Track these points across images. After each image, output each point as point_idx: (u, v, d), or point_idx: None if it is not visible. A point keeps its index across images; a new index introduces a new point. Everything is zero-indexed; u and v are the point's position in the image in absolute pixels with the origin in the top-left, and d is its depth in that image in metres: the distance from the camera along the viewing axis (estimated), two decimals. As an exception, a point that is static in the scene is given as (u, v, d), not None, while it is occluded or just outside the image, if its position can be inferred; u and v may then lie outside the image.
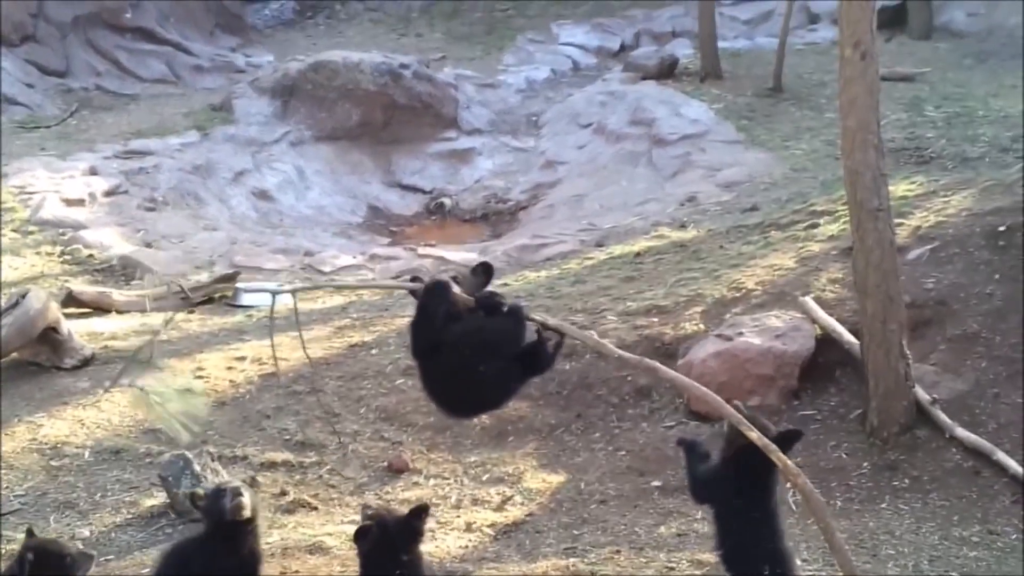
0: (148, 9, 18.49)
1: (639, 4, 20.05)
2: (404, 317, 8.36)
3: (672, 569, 5.20)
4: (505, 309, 4.52)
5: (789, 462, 4.43)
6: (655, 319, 7.17)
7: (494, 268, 4.89)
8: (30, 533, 4.36)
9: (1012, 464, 5.52)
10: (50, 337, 7.83)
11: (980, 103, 13.07)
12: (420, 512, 4.46)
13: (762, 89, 14.54)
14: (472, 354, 4.43)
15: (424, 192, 14.42)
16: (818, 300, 6.77)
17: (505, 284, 9.15)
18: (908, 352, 5.85)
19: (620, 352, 4.71)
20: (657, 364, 4.57)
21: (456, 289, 4.56)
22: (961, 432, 5.76)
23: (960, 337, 6.31)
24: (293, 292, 5.05)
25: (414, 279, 4.91)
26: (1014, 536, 5.22)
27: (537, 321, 4.69)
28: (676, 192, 11.96)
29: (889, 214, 5.74)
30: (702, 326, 6.96)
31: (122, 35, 18.03)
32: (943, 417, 5.86)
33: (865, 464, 5.83)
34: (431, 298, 4.55)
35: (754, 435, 4.57)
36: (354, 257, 11.01)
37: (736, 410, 4.46)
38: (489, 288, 4.73)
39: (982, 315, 6.35)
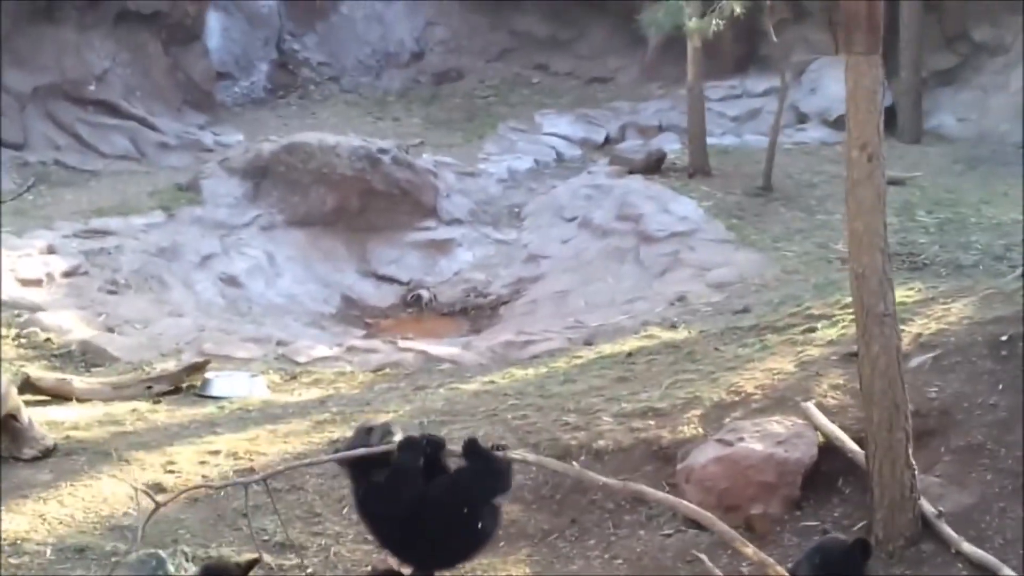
0: (113, 82, 18.79)
1: (624, 96, 20.67)
2: (387, 412, 8.51)
3: None
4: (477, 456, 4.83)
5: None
6: (652, 422, 7.36)
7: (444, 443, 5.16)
8: None
9: (1020, 582, 5.70)
10: (9, 425, 7.83)
11: (972, 210, 13.57)
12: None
13: (752, 188, 15.00)
14: (463, 508, 4.71)
15: (401, 283, 14.62)
16: (819, 406, 6.99)
17: (492, 381, 9.33)
18: (914, 462, 6.06)
19: (604, 479, 4.96)
20: (643, 487, 4.85)
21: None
22: (967, 547, 5.93)
23: (964, 448, 6.53)
24: (265, 480, 5.11)
25: (368, 430, 5.10)
26: (1023, 657, 5.38)
27: (516, 459, 4.98)
28: (665, 291, 12.26)
29: (895, 319, 6.00)
30: (701, 430, 7.15)
31: (84, 108, 18.27)
32: (949, 531, 6.04)
33: (871, 579, 5.98)
34: (407, 455, 4.79)
35: (749, 550, 4.79)
36: (330, 348, 11.16)
37: None
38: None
39: (986, 426, 6.58)
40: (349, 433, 8.14)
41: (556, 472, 7.13)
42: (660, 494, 4.66)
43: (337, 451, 5.05)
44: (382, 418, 5.04)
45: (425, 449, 4.71)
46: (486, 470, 4.70)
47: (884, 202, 5.99)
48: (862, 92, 5.89)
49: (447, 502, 4.80)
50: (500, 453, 4.87)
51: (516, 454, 4.77)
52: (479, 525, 4.85)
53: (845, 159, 6.07)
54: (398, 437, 4.83)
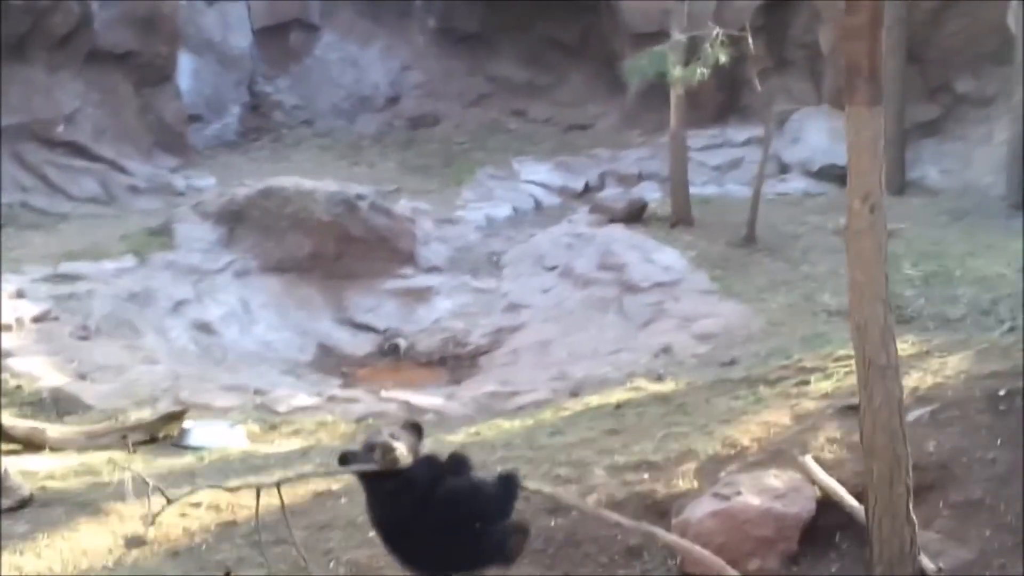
0: (82, 123, 18.84)
1: (604, 143, 20.90)
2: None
3: None
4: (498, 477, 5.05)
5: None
6: (645, 475, 7.40)
7: (423, 428, 5.43)
8: None
9: (1023, 639, 5.77)
10: (-16, 475, 7.85)
11: (957, 262, 13.77)
12: None
13: (735, 238, 15.18)
14: (463, 515, 4.90)
15: (377, 331, 14.62)
16: (817, 460, 7.07)
17: (477, 433, 9.36)
18: (914, 517, 6.14)
19: (619, 518, 5.07)
20: (658, 530, 4.94)
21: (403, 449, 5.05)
22: (970, 605, 6.02)
23: (964, 504, 6.62)
24: (278, 485, 5.26)
25: (369, 447, 5.27)
26: None
27: (531, 490, 5.15)
28: (649, 342, 12.35)
29: (897, 372, 6.09)
30: (696, 483, 7.20)
31: (53, 149, 18.30)
32: (950, 587, 6.13)
33: (870, 636, 6.04)
34: (419, 471, 4.97)
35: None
36: (310, 398, 11.16)
37: None
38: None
39: (986, 481, 6.68)
40: (335, 486, 8.23)
41: (548, 525, 7.26)
42: (672, 537, 4.75)
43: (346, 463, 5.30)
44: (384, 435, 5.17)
45: (442, 469, 4.91)
46: (502, 496, 4.92)
47: (885, 253, 6.09)
48: (864, 143, 6.02)
49: (448, 509, 5.01)
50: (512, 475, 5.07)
51: (531, 484, 4.97)
52: (476, 541, 5.04)
53: (846, 209, 6.18)
54: (400, 451, 5.04)
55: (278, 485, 4.91)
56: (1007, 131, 16.71)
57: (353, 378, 13.53)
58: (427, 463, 4.94)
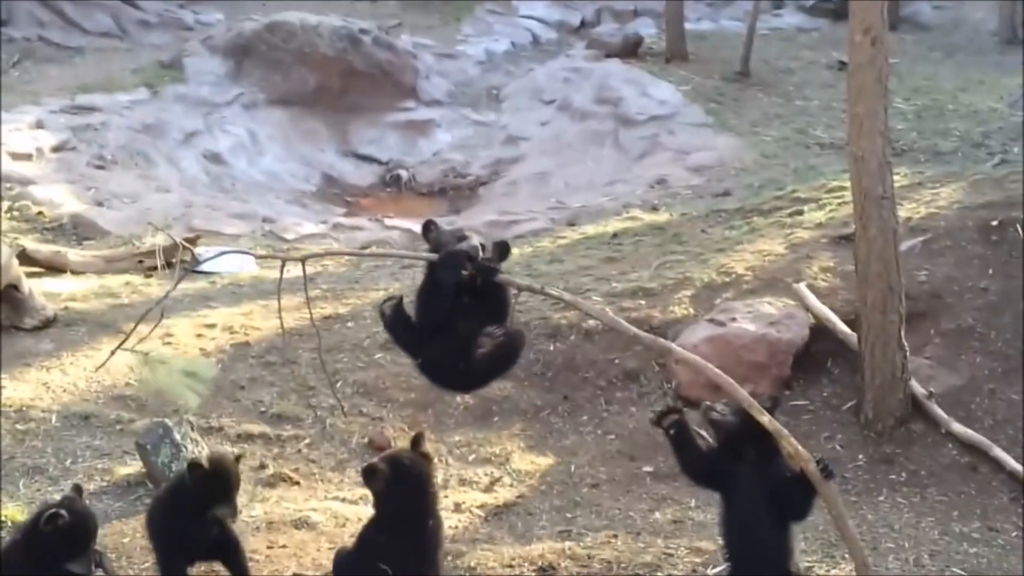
0: (94, -41, 18.00)
1: (598, -21, 20.02)
2: (377, 290, 8.28)
3: (670, 555, 5.20)
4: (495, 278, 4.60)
5: (800, 448, 4.52)
6: (642, 301, 7.17)
7: (510, 247, 4.95)
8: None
9: (1010, 461, 5.63)
10: (10, 295, 7.57)
11: (949, 97, 13.27)
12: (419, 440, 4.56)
13: (729, 73, 14.61)
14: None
15: (380, 163, 14.22)
16: (810, 288, 6.83)
17: (479, 260, 9.08)
18: (905, 344, 5.92)
19: (636, 330, 4.84)
20: (672, 344, 4.74)
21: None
22: (958, 427, 5.86)
23: (954, 331, 6.42)
24: (303, 260, 4.93)
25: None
26: (1014, 534, 5.32)
27: (552, 295, 4.82)
28: (645, 174, 11.98)
29: (893, 202, 5.81)
30: (691, 310, 6.97)
31: (67, -15, 17.54)
32: (939, 411, 5.95)
33: (860, 457, 5.90)
34: (445, 271, 4.54)
35: (765, 419, 4.65)
36: (316, 226, 10.85)
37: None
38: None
39: (976, 309, 6.46)
40: (341, 309, 8.01)
41: (547, 349, 7.05)
42: (685, 352, 4.54)
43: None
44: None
45: (468, 269, 4.43)
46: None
47: (885, 86, 5.76)
48: (866, -25, 5.61)
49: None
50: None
51: (553, 291, 4.63)
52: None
53: (847, 43, 5.81)
54: (472, 243, 4.53)
55: (303, 260, 4.62)
56: (1000, -32, 15.97)
57: (356, 207, 13.21)
58: (449, 267, 4.47)
